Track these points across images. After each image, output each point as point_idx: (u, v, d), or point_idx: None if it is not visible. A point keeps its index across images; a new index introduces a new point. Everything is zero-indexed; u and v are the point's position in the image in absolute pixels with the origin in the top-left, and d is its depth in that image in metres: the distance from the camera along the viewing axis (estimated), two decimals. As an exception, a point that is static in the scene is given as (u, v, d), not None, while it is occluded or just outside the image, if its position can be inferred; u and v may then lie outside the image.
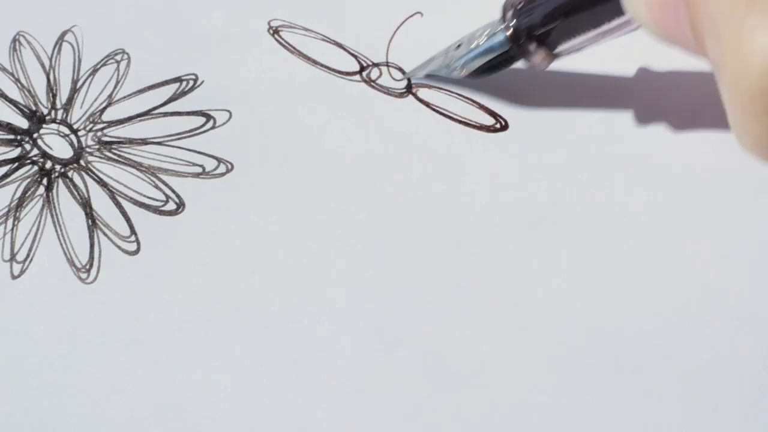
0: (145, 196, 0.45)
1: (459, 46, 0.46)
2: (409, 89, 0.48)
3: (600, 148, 0.46)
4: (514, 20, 0.44)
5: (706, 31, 0.32)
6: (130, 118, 0.47)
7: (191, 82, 0.48)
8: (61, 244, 0.44)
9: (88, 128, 0.47)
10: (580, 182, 0.46)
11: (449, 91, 0.48)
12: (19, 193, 0.45)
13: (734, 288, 0.43)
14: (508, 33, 0.44)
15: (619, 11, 0.40)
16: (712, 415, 0.41)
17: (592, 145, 0.46)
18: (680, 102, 0.48)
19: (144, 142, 0.46)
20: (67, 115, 0.47)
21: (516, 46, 0.44)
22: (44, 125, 0.47)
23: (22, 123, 0.47)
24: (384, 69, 0.49)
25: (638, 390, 0.41)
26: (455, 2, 0.50)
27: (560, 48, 0.44)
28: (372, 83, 0.48)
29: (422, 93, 0.48)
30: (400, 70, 0.49)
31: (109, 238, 0.44)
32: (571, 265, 0.44)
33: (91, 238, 0.44)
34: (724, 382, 0.42)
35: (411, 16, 0.50)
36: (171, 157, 0.46)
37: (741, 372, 0.42)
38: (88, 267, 0.43)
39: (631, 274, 0.44)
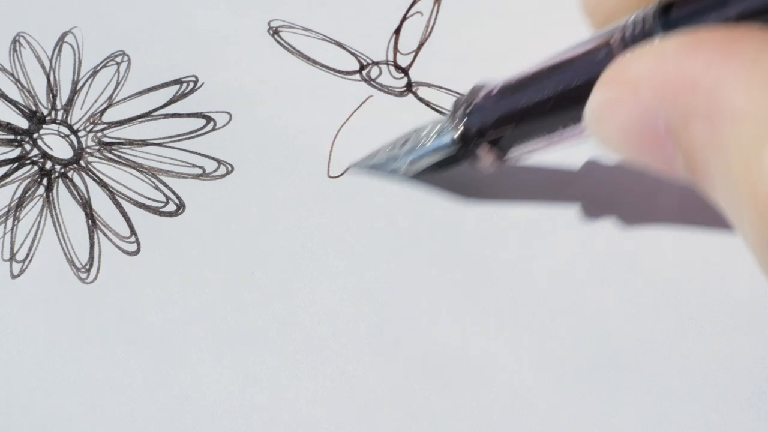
0: (145, 197, 0.45)
1: (405, 142, 0.44)
2: (409, 88, 0.48)
3: (600, 148, 0.46)
4: (464, 120, 0.41)
5: (712, 166, 0.31)
6: (130, 120, 0.47)
7: (191, 84, 0.48)
8: (61, 244, 0.44)
9: (88, 129, 0.47)
10: (580, 182, 0.46)
11: (450, 90, 0.48)
12: (19, 193, 0.45)
13: (734, 288, 0.43)
14: (457, 134, 0.41)
15: (577, 118, 0.37)
16: (712, 415, 0.41)
17: (592, 145, 0.46)
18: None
19: (144, 143, 0.47)
20: (67, 116, 0.47)
21: (464, 148, 0.41)
22: (44, 125, 0.47)
23: (22, 123, 0.47)
24: (384, 67, 0.49)
25: (638, 390, 0.41)
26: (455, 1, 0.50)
27: (511, 152, 0.41)
28: (372, 82, 0.48)
29: (422, 92, 0.48)
30: (400, 68, 0.49)
31: (109, 239, 0.44)
32: (571, 264, 0.44)
33: (91, 238, 0.44)
34: (724, 382, 0.42)
35: (411, 15, 0.50)
36: (171, 159, 0.46)
37: (741, 372, 0.42)
38: (88, 267, 0.44)
39: (631, 274, 0.44)
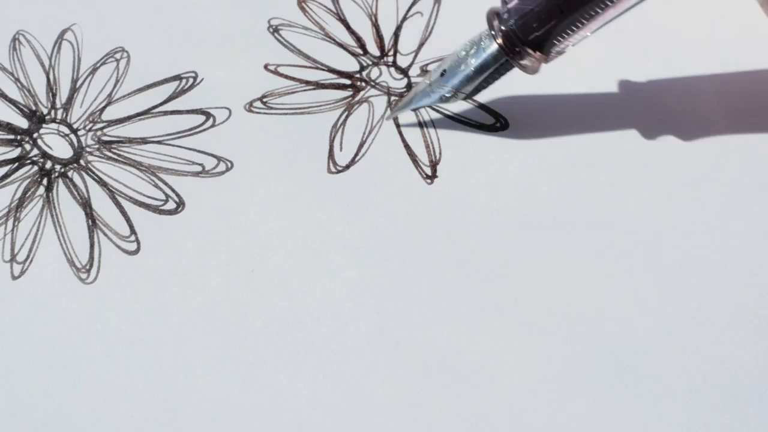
0: (144, 195, 0.45)
1: (443, 73, 0.44)
2: (409, 88, 0.48)
3: (600, 148, 0.46)
4: (503, 27, 0.42)
5: None
6: (129, 117, 0.47)
7: (191, 80, 0.48)
8: (61, 244, 0.44)
9: (87, 128, 0.47)
10: (581, 182, 0.46)
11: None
12: (19, 194, 0.45)
13: (734, 288, 0.43)
14: (499, 41, 0.42)
15: None
16: (712, 415, 0.41)
17: (592, 145, 0.46)
18: (680, 102, 0.48)
19: (144, 141, 0.46)
20: (66, 115, 0.47)
21: (511, 54, 0.42)
22: (44, 125, 0.47)
23: (22, 123, 0.47)
24: (384, 68, 0.49)
25: (638, 390, 0.41)
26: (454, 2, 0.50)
27: (556, 48, 0.42)
28: (372, 82, 0.48)
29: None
30: (400, 69, 0.49)
31: (109, 238, 0.44)
32: (571, 264, 0.44)
33: (91, 238, 0.44)
34: (724, 382, 0.42)
35: (411, 15, 0.50)
36: (171, 156, 0.46)
37: (741, 372, 0.42)
38: (88, 267, 0.43)
39: (632, 274, 0.44)
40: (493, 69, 0.43)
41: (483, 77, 0.44)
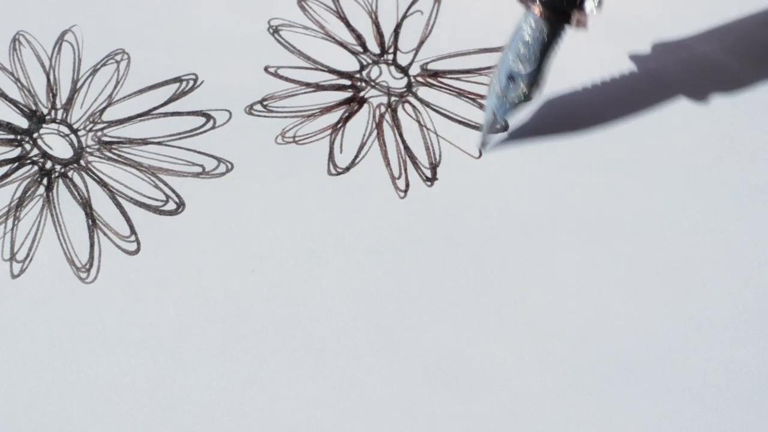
0: (145, 196, 0.45)
1: (509, 80, 0.44)
2: (409, 88, 0.48)
3: (600, 149, 0.46)
4: (539, 2, 0.42)
5: None
6: (130, 118, 0.47)
7: (191, 82, 0.48)
8: (61, 244, 0.44)
9: (88, 128, 0.47)
10: (581, 183, 0.46)
11: (450, 88, 0.48)
12: (19, 193, 0.45)
13: (734, 289, 0.43)
14: (539, 12, 0.42)
15: None
16: (712, 415, 0.41)
17: (592, 145, 0.46)
18: (680, 103, 0.48)
19: (144, 142, 0.46)
20: (67, 115, 0.47)
21: (562, 17, 0.42)
22: (44, 125, 0.47)
23: (22, 123, 0.47)
24: (384, 67, 0.49)
25: (638, 390, 0.41)
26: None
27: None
28: (372, 82, 0.48)
29: (423, 92, 0.48)
30: (401, 68, 0.49)
31: (109, 238, 0.44)
32: (571, 265, 0.44)
33: (91, 238, 0.44)
34: (724, 382, 0.42)
35: (411, 14, 0.50)
36: (171, 157, 0.46)
37: (741, 372, 0.42)
38: (88, 267, 0.43)
39: (632, 274, 0.44)
40: (553, 40, 0.43)
41: (548, 53, 0.44)
